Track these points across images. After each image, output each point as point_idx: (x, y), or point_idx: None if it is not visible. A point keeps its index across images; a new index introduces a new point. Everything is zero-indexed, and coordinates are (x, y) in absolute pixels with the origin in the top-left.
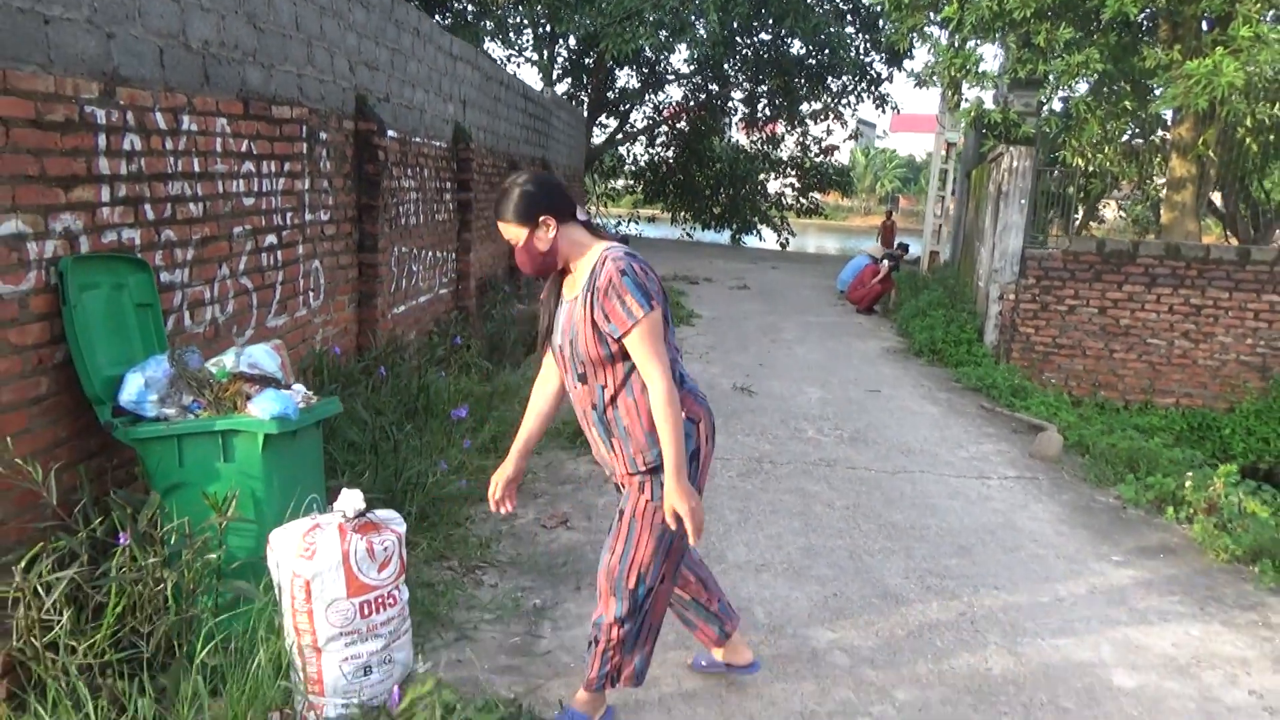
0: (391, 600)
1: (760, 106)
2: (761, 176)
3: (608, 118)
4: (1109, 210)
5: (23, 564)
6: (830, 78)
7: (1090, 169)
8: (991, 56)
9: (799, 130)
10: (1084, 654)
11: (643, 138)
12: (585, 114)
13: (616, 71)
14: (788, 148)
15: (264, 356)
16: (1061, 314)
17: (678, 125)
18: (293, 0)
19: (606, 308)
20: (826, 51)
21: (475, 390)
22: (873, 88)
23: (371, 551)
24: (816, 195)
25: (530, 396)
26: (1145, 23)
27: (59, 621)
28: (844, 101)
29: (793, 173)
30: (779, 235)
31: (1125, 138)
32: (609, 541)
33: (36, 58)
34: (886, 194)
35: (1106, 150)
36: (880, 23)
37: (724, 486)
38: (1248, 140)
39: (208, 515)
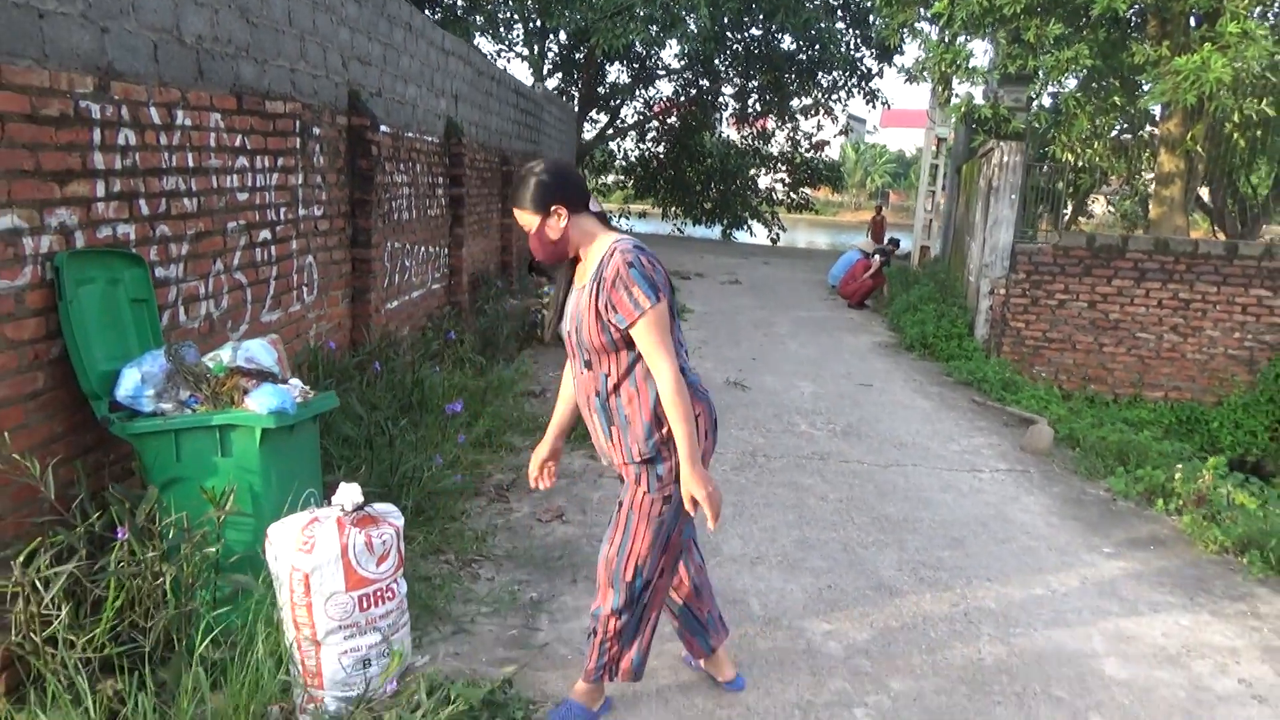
0: (390, 593)
1: (751, 102)
2: (752, 172)
3: (598, 113)
4: (1098, 205)
5: (21, 558)
6: (821, 73)
7: (1079, 164)
8: (982, 52)
9: (789, 125)
10: (1076, 644)
11: (633, 133)
12: (576, 109)
13: (607, 66)
14: (778, 143)
15: (261, 351)
16: (1051, 308)
17: (668, 120)
18: None
19: (613, 298)
20: (817, 47)
21: (469, 385)
22: (863, 83)
23: (370, 545)
24: (807, 190)
25: (562, 380)
26: (1134, 19)
27: (57, 616)
28: (834, 97)
29: (783, 168)
30: (770, 230)
31: (1114, 133)
32: (608, 533)
33: (31, 52)
34: (877, 189)
35: (1096, 145)
36: (871, 18)
37: (718, 480)
38: (1235, 136)
39: (205, 510)
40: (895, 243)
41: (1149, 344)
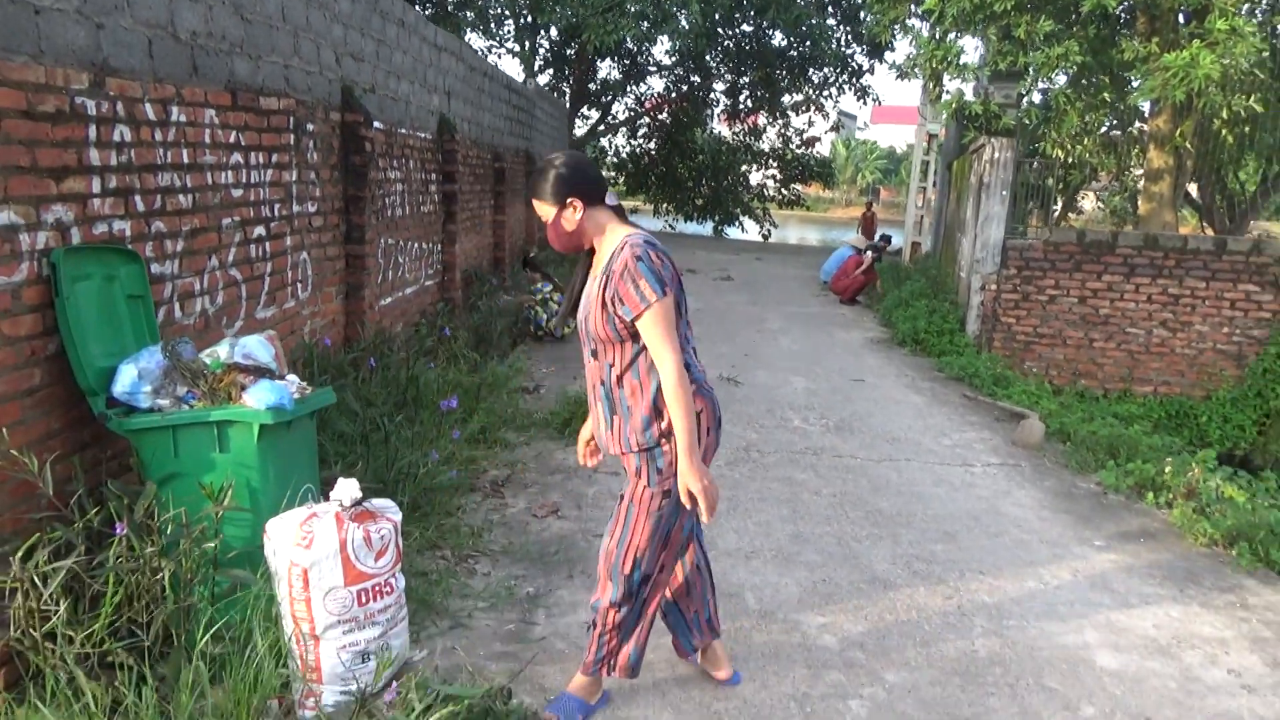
0: (388, 588)
1: (742, 98)
2: (744, 168)
3: (589, 109)
4: (1087, 201)
5: (20, 554)
6: (812, 69)
7: (1069, 160)
8: (972, 49)
9: (780, 122)
10: (1068, 636)
11: (625, 129)
12: (567, 105)
13: (598, 63)
14: (769, 139)
15: (258, 347)
16: (1042, 304)
17: (660, 117)
18: None
19: (621, 291)
20: (808, 43)
21: (464, 381)
22: (854, 79)
23: (368, 540)
24: (798, 187)
25: None
26: (1123, 16)
27: (56, 611)
28: (825, 93)
29: (774, 164)
30: (761, 227)
31: (1104, 129)
32: (608, 526)
33: (27, 48)
34: (867, 185)
35: (1085, 142)
36: (862, 15)
37: (713, 475)
38: (1224, 132)
39: (203, 505)
40: (887, 239)
41: (1139, 339)
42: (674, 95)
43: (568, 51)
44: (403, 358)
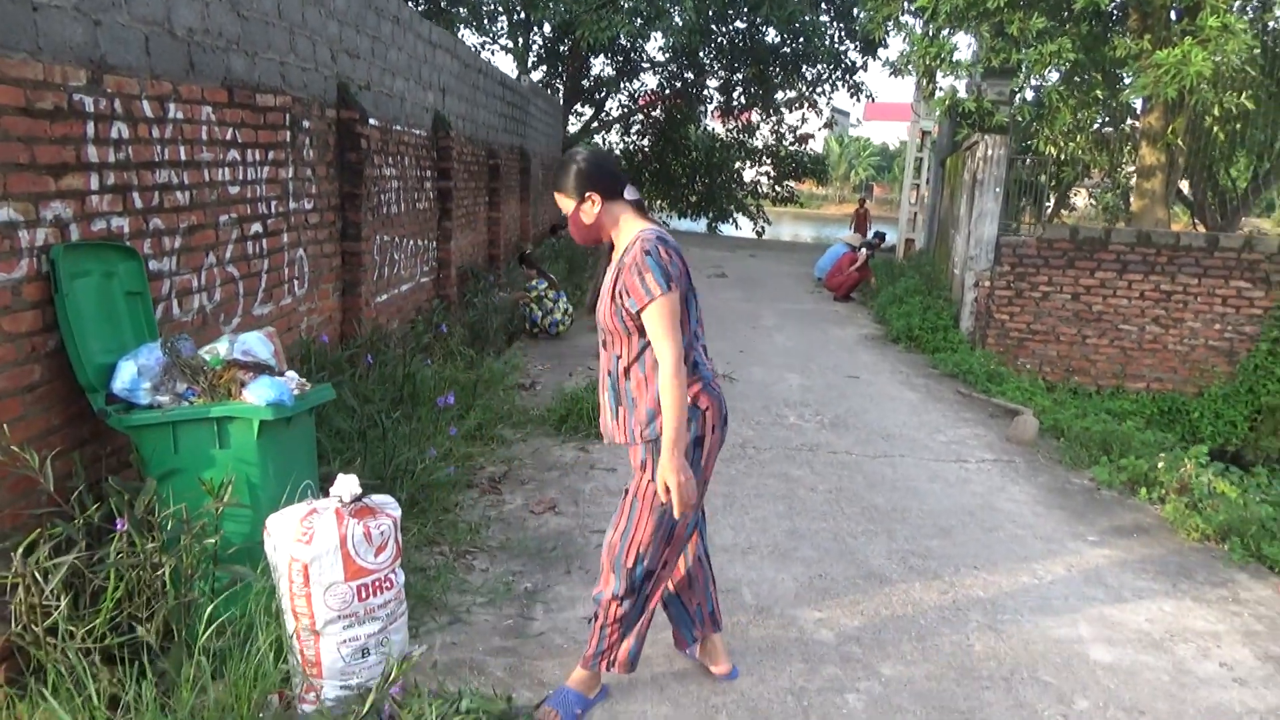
0: (388, 583)
1: (735, 95)
2: (737, 165)
3: (583, 106)
4: (1080, 198)
5: (21, 550)
6: (805, 66)
7: (1062, 157)
8: (965, 46)
9: (774, 118)
10: (1062, 630)
11: (618, 126)
12: (561, 102)
13: (592, 59)
14: (763, 136)
15: (257, 344)
16: (1035, 300)
17: (653, 114)
18: None
19: (628, 283)
20: (801, 40)
21: (460, 378)
22: (847, 76)
23: (368, 535)
24: (791, 183)
25: None
26: (1115, 13)
27: (57, 607)
28: (818, 90)
29: (768, 161)
30: (755, 223)
31: (1096, 126)
32: (613, 519)
33: (25, 45)
34: (861, 182)
35: (1078, 139)
36: (855, 11)
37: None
38: (1215, 129)
39: (203, 501)
40: (881, 236)
41: (1131, 335)
42: (667, 92)
43: (561, 48)
44: (399, 354)
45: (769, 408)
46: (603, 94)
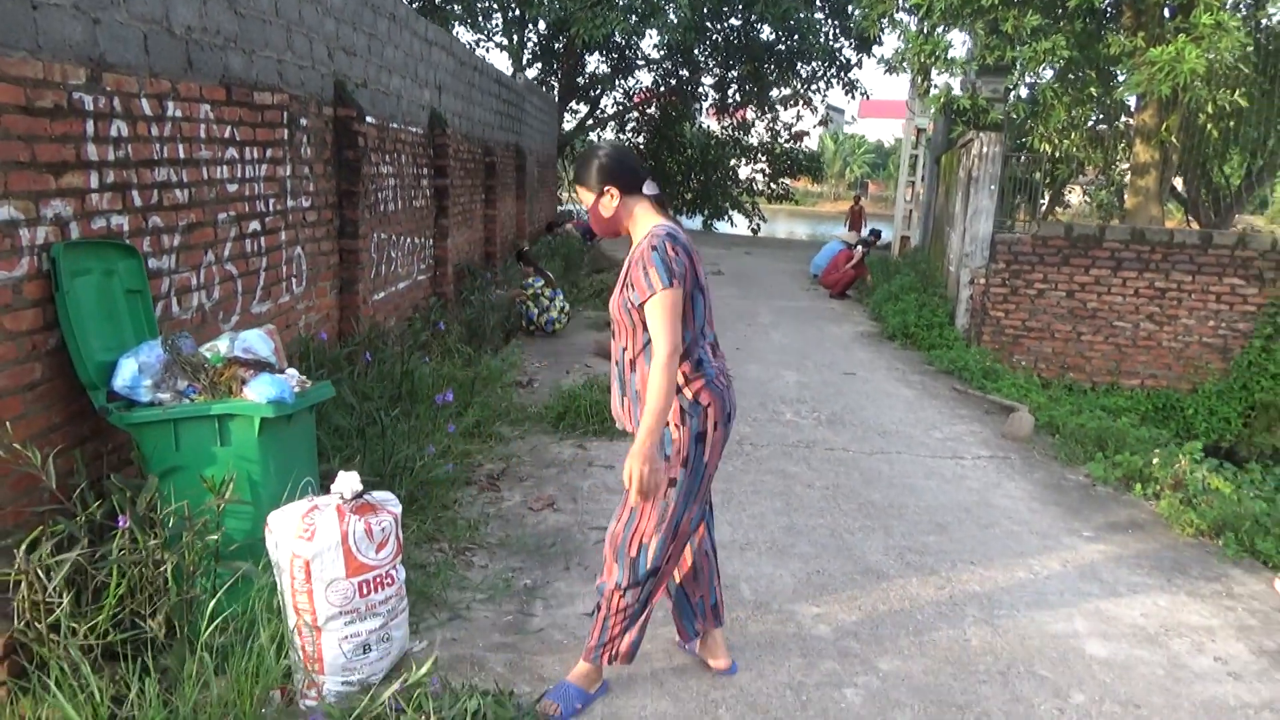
0: (389, 579)
1: (730, 92)
2: (732, 162)
3: (578, 103)
4: (1074, 195)
5: (24, 547)
6: (800, 63)
7: (1056, 155)
8: (960, 43)
9: (769, 116)
10: (1058, 625)
11: (613, 123)
12: (556, 99)
13: (587, 57)
14: (758, 133)
15: (258, 341)
16: (1030, 298)
17: (648, 111)
18: None
19: (633, 277)
20: (796, 37)
21: (458, 375)
22: (842, 73)
23: (369, 532)
24: (787, 181)
25: None
26: (1110, 10)
27: (59, 604)
28: (813, 87)
29: (763, 158)
30: (750, 221)
31: (1090, 124)
32: (616, 510)
33: (25, 43)
34: (856, 179)
35: (1072, 136)
36: (850, 9)
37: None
38: (1209, 126)
39: (204, 498)
40: (876, 233)
41: (1126, 332)
42: (662, 89)
43: (556, 45)
44: (397, 352)
45: (766, 405)
46: (598, 91)
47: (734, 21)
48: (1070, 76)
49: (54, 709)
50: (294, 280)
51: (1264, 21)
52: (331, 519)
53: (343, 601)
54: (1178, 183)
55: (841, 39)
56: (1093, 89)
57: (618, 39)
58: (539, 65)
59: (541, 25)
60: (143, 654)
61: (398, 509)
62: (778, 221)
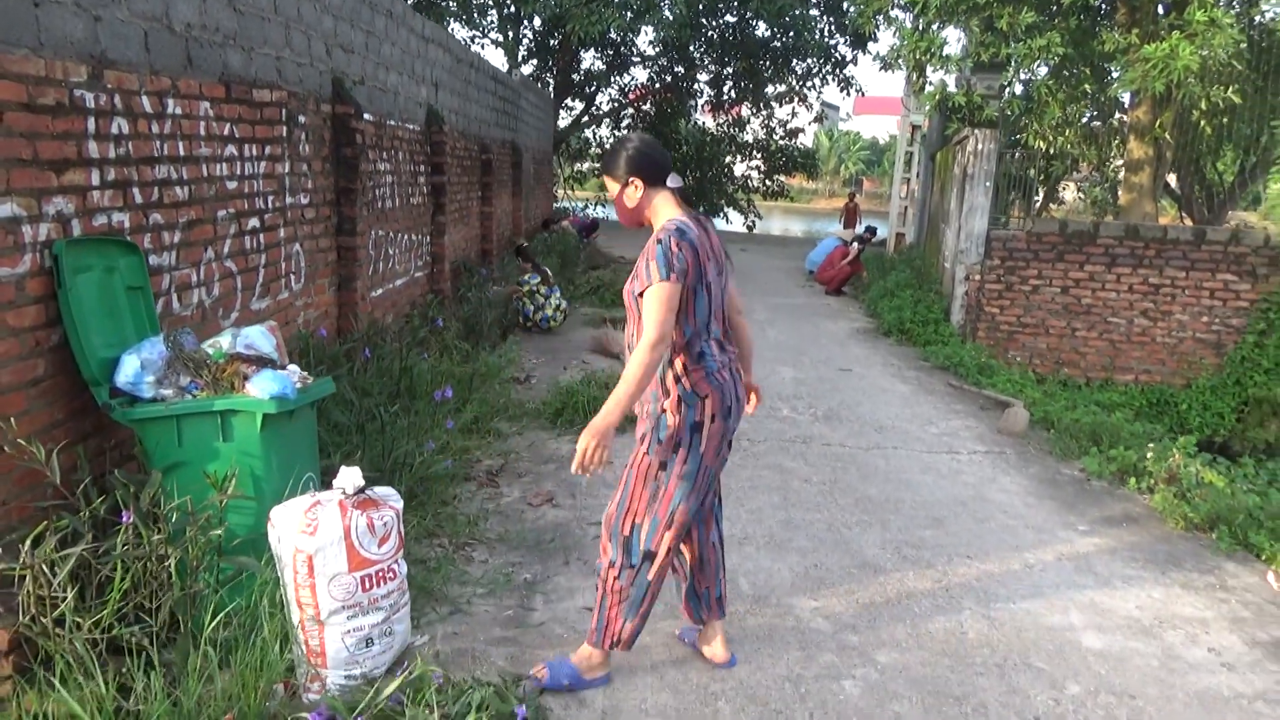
0: (391, 574)
1: (725, 89)
2: (727, 159)
3: (573, 100)
4: (1069, 192)
5: (28, 542)
6: (795, 60)
7: (1051, 151)
8: (955, 40)
9: (764, 113)
10: (1054, 617)
11: (609, 120)
12: (551, 96)
13: (582, 53)
14: (753, 130)
15: (260, 337)
16: (1025, 294)
17: (643, 108)
18: None
19: (638, 267)
20: (791, 34)
21: (456, 372)
22: (837, 70)
23: (372, 527)
24: (782, 178)
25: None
26: (1104, 7)
27: (64, 598)
28: (809, 84)
29: (758, 155)
30: (745, 218)
31: (1085, 120)
32: (613, 493)
33: (27, 40)
34: (850, 176)
35: (1067, 133)
36: (845, 6)
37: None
38: (1202, 123)
39: (207, 493)
40: (872, 230)
41: (1120, 328)
42: (658, 86)
43: (551, 42)
44: (395, 348)
45: (763, 400)
46: (593, 88)
47: (729, 18)
48: (1065, 73)
49: (59, 703)
50: (292, 277)
51: (1257, 18)
52: (334, 514)
53: (345, 596)
54: (1172, 179)
55: (837, 36)
56: (1087, 86)
57: (613, 35)
58: (534, 62)
59: (537, 21)
60: (147, 648)
61: (399, 504)
62: (773, 218)
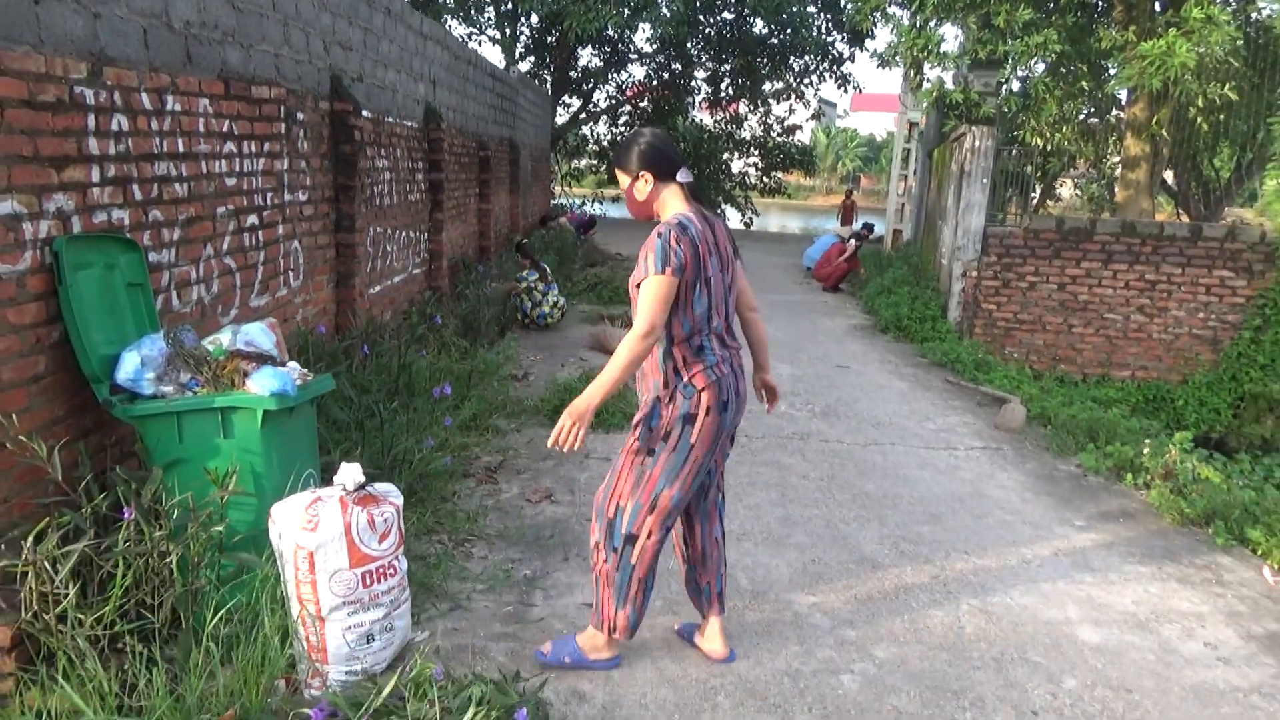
0: (392, 570)
1: (723, 86)
2: (725, 156)
3: (571, 97)
4: (1065, 189)
5: (30, 538)
6: (792, 57)
7: (1048, 148)
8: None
9: (761, 110)
10: (1051, 612)
11: (606, 117)
12: (549, 93)
13: (579, 50)
14: (750, 127)
15: (260, 334)
16: (1022, 290)
17: (641, 105)
18: None
19: (639, 260)
20: (789, 31)
21: (454, 369)
22: (834, 67)
23: (372, 523)
24: (779, 175)
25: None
26: (1101, 4)
27: (66, 595)
28: (806, 81)
29: (755, 152)
30: (743, 215)
31: (1082, 117)
32: (605, 476)
33: (28, 37)
34: (848, 173)
35: (1064, 130)
36: (842, 2)
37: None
38: (1199, 120)
39: (208, 490)
40: (869, 227)
41: (1116, 324)
42: (655, 83)
43: (549, 39)
44: (394, 345)
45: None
46: (590, 85)
47: (726, 15)
48: (1062, 70)
49: (62, 699)
50: (291, 274)
51: (1253, 15)
52: (335, 510)
53: (346, 592)
54: (1168, 176)
55: (834, 33)
56: (1084, 83)
57: (610, 32)
58: (532, 59)
59: (534, 19)
60: (149, 644)
61: (399, 500)
62: (770, 215)
